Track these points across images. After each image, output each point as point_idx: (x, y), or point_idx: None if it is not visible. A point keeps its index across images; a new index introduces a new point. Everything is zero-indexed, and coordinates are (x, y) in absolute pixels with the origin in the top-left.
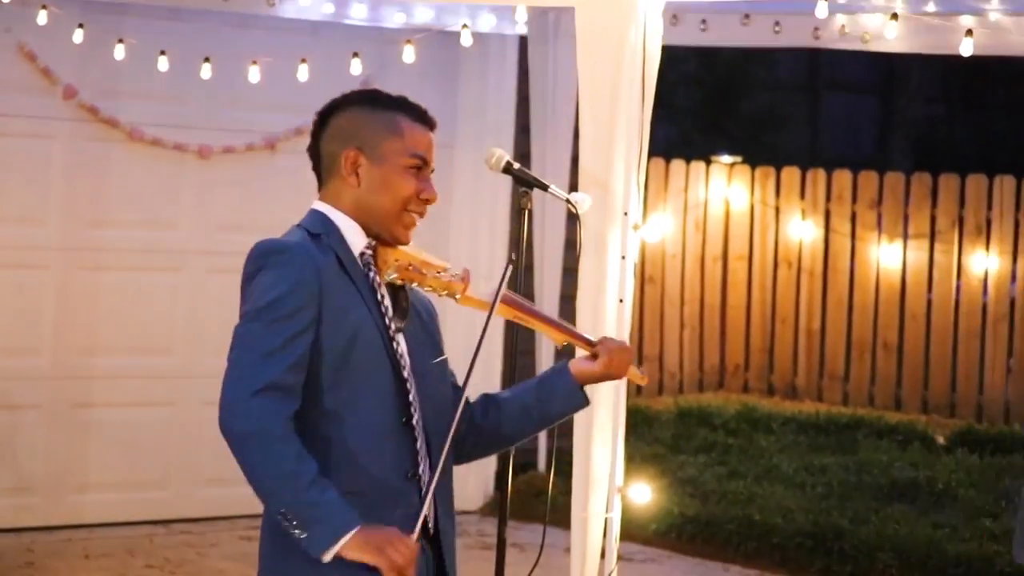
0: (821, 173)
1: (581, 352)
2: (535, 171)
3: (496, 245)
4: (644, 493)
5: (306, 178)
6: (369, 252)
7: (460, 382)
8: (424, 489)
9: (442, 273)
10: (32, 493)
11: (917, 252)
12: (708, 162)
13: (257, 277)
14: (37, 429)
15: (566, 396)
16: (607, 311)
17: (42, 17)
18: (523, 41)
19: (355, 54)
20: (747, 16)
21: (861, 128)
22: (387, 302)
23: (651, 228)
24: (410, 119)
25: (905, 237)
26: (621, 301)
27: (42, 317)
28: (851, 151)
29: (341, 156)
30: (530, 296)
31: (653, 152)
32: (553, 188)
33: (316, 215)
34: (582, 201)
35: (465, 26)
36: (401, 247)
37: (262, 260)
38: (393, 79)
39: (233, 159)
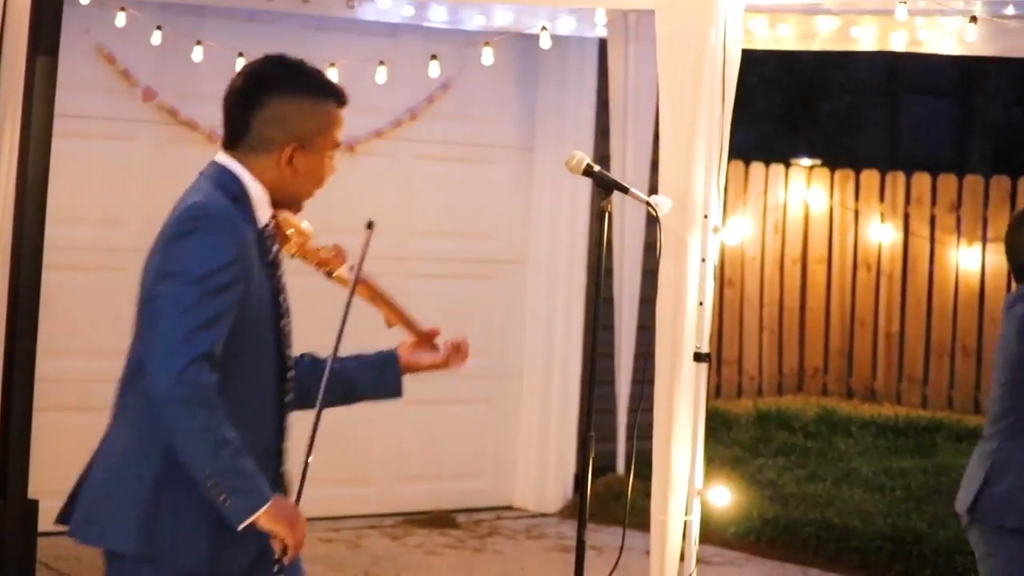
0: (900, 176)
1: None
2: (615, 174)
3: (576, 248)
4: (723, 496)
5: (386, 180)
6: (272, 224)
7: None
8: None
9: (321, 250)
10: None
11: (996, 255)
12: (787, 165)
13: (190, 239)
14: None
15: (389, 387)
16: (686, 314)
17: (120, 19)
18: (603, 44)
19: (434, 56)
20: (826, 18)
21: (940, 131)
22: (284, 280)
23: (730, 231)
24: (337, 106)
25: (984, 240)
26: (701, 304)
27: (121, 319)
28: (930, 154)
29: (280, 147)
30: (609, 299)
31: (732, 155)
32: (633, 191)
33: (229, 176)
34: (662, 204)
35: (544, 29)
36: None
37: (197, 223)
38: (472, 81)
39: None
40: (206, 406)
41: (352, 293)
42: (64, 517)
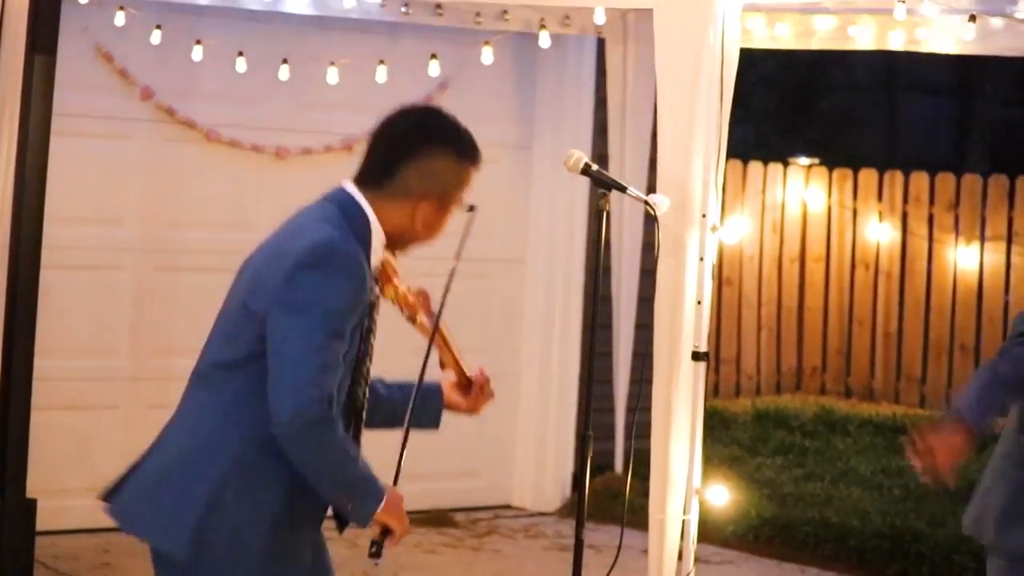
0: (898, 175)
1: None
2: (613, 173)
3: (574, 247)
4: (721, 495)
5: None
6: (379, 268)
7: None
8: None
9: (410, 294)
10: None
11: (994, 254)
12: (785, 164)
13: (322, 274)
14: (114, 430)
15: (431, 418)
16: (685, 313)
17: (119, 18)
18: (601, 43)
19: (433, 56)
20: (825, 17)
21: (938, 130)
22: (376, 322)
23: (729, 230)
24: (475, 168)
25: (982, 239)
26: (699, 303)
27: (119, 318)
28: (928, 153)
29: (419, 199)
30: (607, 298)
31: (731, 154)
32: (631, 190)
33: (359, 211)
34: (660, 203)
35: (543, 27)
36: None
37: (331, 260)
38: (471, 80)
39: (311, 160)
40: (331, 439)
41: (432, 342)
42: (110, 496)
